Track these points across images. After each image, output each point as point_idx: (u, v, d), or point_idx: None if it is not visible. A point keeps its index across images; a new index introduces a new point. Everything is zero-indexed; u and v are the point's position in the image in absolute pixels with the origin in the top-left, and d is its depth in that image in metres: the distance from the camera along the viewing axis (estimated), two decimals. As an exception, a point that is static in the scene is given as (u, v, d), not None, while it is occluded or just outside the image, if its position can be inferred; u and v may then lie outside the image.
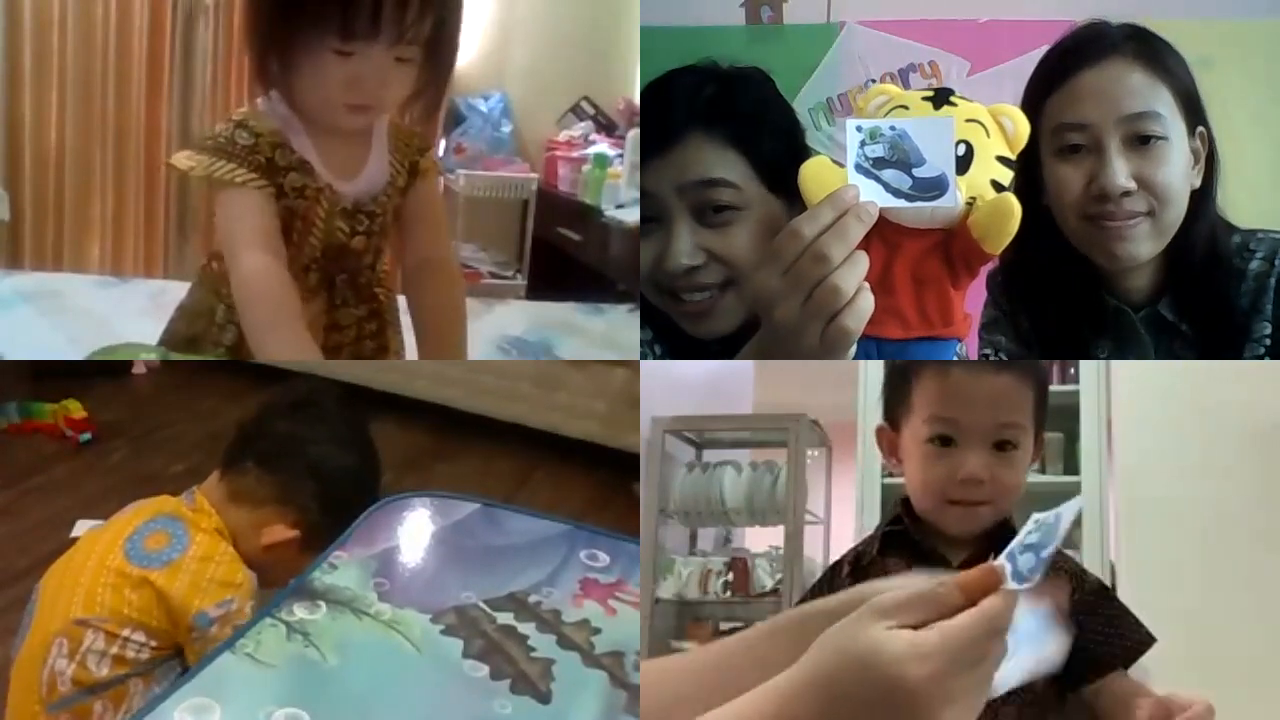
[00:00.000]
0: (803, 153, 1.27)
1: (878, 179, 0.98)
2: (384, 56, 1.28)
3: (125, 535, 1.36)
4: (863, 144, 0.98)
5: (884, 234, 1.03)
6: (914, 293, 1.06)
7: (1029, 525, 0.73)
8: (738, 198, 1.21)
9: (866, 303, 0.94)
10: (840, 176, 0.99)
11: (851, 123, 0.99)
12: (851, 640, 0.61)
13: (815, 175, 1.01)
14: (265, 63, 1.32)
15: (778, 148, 1.23)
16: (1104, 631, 1.05)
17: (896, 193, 0.98)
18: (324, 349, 1.41)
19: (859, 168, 0.98)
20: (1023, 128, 1.08)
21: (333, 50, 1.26)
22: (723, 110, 1.22)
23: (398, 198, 1.47)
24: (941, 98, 1.06)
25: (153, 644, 1.30)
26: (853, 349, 0.97)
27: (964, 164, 1.03)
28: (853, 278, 0.93)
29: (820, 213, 0.95)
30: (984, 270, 1.16)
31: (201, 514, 1.40)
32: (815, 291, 0.93)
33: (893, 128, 0.98)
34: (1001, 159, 1.06)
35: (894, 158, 0.98)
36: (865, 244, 0.99)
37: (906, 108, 1.06)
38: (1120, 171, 1.27)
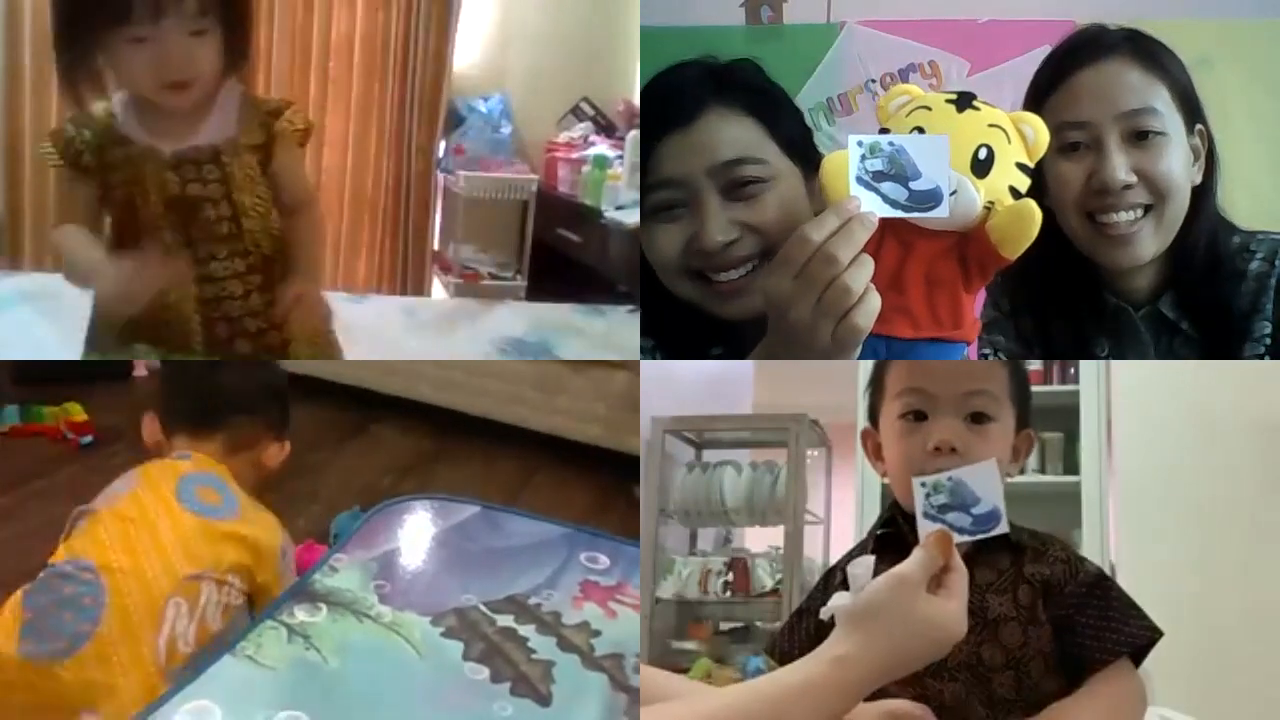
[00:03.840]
0: (808, 128, 1.30)
1: (877, 191, 1.02)
2: (178, 33, 1.36)
3: (175, 496, 1.44)
4: (863, 158, 1.03)
5: (898, 234, 1.05)
6: (925, 293, 1.07)
7: (920, 491, 0.97)
8: (765, 170, 1.22)
9: (875, 302, 0.99)
10: None
11: (853, 138, 1.04)
12: (907, 615, 0.85)
13: (838, 170, 1.03)
14: (81, 67, 1.42)
15: (790, 118, 1.27)
16: (1098, 625, 1.02)
17: (895, 204, 1.03)
18: (201, 301, 1.52)
19: (860, 180, 1.03)
20: (1043, 136, 1.08)
21: (128, 40, 1.35)
22: (733, 85, 1.24)
23: (249, 154, 1.51)
24: (965, 101, 1.08)
25: (244, 589, 1.41)
26: (859, 347, 1.00)
27: (984, 168, 1.04)
28: (861, 277, 0.98)
29: (826, 219, 1.00)
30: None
31: (219, 467, 1.54)
32: (826, 292, 0.98)
33: (891, 143, 1.03)
34: (1021, 166, 1.07)
35: (892, 171, 1.03)
36: (879, 243, 1.03)
37: (929, 109, 1.07)
38: (1120, 165, 1.28)
